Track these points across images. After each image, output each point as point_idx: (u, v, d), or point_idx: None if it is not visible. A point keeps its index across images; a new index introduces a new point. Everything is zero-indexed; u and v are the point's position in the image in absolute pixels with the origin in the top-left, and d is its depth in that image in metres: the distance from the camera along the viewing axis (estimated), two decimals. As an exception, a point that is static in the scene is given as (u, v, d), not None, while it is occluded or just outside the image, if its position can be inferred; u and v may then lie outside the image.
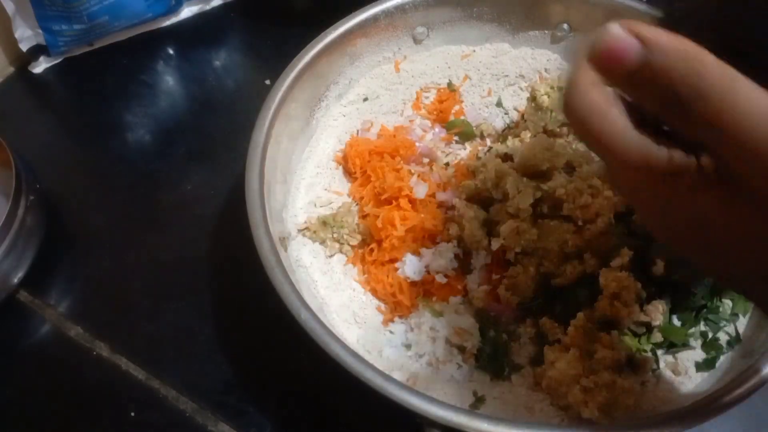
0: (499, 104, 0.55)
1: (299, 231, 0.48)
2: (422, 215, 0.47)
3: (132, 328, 0.48)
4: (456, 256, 0.47)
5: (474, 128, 0.54)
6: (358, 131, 0.54)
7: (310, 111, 0.52)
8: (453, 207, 0.48)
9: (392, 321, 0.45)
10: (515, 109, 0.55)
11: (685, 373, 0.42)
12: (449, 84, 0.56)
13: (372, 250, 0.47)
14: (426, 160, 0.51)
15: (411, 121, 0.55)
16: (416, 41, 0.56)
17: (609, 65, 0.23)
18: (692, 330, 0.43)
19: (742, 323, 0.44)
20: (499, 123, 0.54)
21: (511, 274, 0.45)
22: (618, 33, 0.22)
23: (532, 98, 0.50)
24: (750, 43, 0.23)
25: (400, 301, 0.45)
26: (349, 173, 0.52)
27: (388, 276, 0.46)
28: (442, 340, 0.43)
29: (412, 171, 0.49)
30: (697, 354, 0.43)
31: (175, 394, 0.45)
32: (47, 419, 0.45)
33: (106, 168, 0.57)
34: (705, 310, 0.44)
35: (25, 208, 0.47)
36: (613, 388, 0.39)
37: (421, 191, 0.48)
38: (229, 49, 0.65)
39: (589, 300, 0.43)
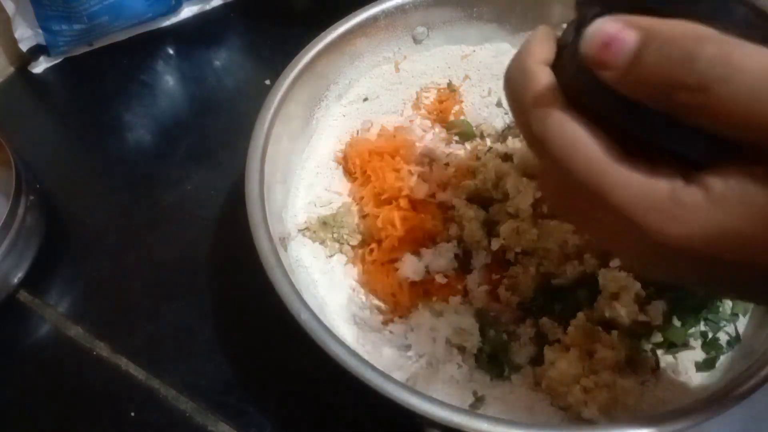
0: (499, 104, 0.55)
1: (299, 231, 0.48)
2: (422, 215, 0.47)
3: (132, 328, 0.48)
4: (456, 256, 0.47)
5: (474, 128, 0.54)
6: (358, 131, 0.54)
7: (310, 111, 0.52)
8: (453, 207, 0.48)
9: (392, 321, 0.45)
10: (515, 109, 0.55)
11: (685, 373, 0.42)
12: (449, 84, 0.56)
13: (372, 250, 0.47)
14: (426, 160, 0.51)
15: (411, 121, 0.55)
16: (416, 41, 0.56)
17: (607, 59, 0.22)
18: (692, 330, 0.43)
19: (742, 323, 0.44)
20: (499, 123, 0.54)
21: (511, 274, 0.45)
22: (613, 24, 0.22)
23: (532, 98, 0.50)
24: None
25: (400, 301, 0.45)
26: (349, 173, 0.52)
27: (388, 276, 0.46)
28: (442, 340, 0.43)
29: (412, 171, 0.49)
30: (697, 354, 0.43)
31: (175, 394, 0.45)
32: (47, 419, 0.45)
33: (106, 168, 0.57)
34: (705, 310, 0.44)
35: (25, 208, 0.47)
36: (613, 388, 0.39)
37: (421, 191, 0.48)
38: (229, 49, 0.65)
39: (589, 300, 0.43)
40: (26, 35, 0.61)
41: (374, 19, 0.52)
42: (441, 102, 0.55)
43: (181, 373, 0.46)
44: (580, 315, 0.42)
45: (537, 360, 0.43)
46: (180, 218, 0.53)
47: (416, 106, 0.55)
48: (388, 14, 0.53)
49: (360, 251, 0.48)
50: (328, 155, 0.53)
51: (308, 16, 0.66)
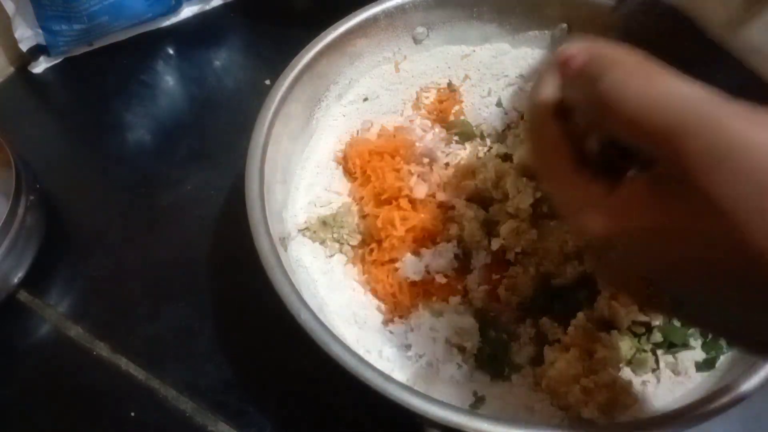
0: (499, 104, 0.55)
1: (299, 231, 0.48)
2: (422, 215, 0.47)
3: (132, 328, 0.48)
4: (456, 256, 0.47)
5: (474, 128, 0.54)
6: (358, 131, 0.54)
7: (310, 111, 0.52)
8: (453, 207, 0.48)
9: (392, 321, 0.45)
10: (515, 109, 0.55)
11: (685, 373, 0.42)
12: (449, 84, 0.56)
13: (372, 250, 0.47)
14: (426, 160, 0.51)
15: (411, 121, 0.55)
16: (416, 41, 0.56)
17: (565, 72, 0.27)
18: (692, 330, 0.43)
19: (742, 323, 0.44)
20: (499, 123, 0.54)
21: (511, 274, 0.45)
22: (577, 45, 0.27)
23: (532, 98, 0.50)
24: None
25: (400, 301, 0.45)
26: (349, 173, 0.52)
27: (388, 276, 0.46)
28: (442, 340, 0.43)
29: (412, 171, 0.49)
30: (697, 354, 0.43)
31: (175, 394, 0.45)
32: (47, 419, 0.45)
33: (106, 168, 0.57)
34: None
35: (25, 208, 0.47)
36: (613, 388, 0.39)
37: (421, 191, 0.48)
38: (229, 49, 0.65)
39: (589, 300, 0.43)
40: (26, 35, 0.61)
41: (374, 19, 0.52)
42: (441, 102, 0.55)
43: (181, 373, 0.46)
44: (580, 315, 0.42)
45: (537, 360, 0.43)
46: (180, 218, 0.53)
47: (416, 106, 0.55)
48: (388, 14, 0.53)
49: (360, 251, 0.48)
50: (328, 155, 0.53)
51: (308, 16, 0.66)
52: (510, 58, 0.56)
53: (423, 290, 0.46)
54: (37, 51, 0.62)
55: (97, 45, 0.64)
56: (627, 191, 0.26)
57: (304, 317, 0.38)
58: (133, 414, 0.45)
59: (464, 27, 0.55)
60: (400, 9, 0.53)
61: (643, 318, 0.42)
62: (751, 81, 0.24)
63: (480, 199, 0.48)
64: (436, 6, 0.54)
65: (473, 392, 0.42)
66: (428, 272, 0.46)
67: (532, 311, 0.45)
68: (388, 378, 0.36)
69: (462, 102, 0.55)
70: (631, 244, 0.26)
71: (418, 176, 0.49)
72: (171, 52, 0.65)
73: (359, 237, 0.48)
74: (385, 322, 0.45)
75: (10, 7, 0.58)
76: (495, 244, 0.45)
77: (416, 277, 0.45)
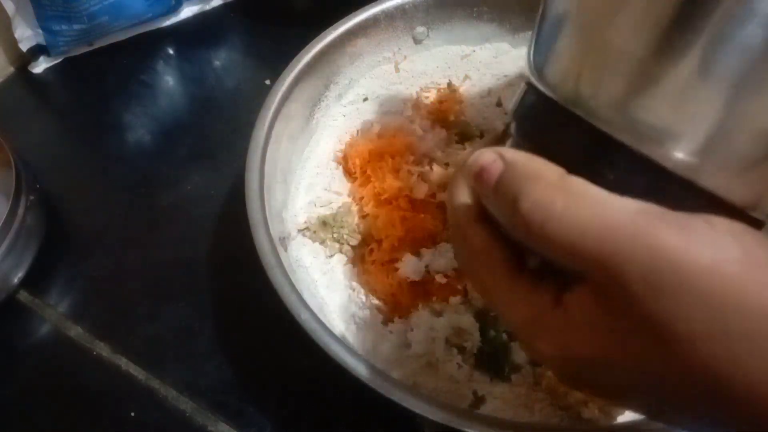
0: (499, 104, 0.55)
1: (299, 231, 0.48)
2: (422, 215, 0.47)
3: (132, 328, 0.48)
4: (456, 256, 0.47)
5: (474, 128, 0.54)
6: (358, 131, 0.54)
7: (310, 111, 0.52)
8: (453, 207, 0.48)
9: (392, 321, 0.45)
10: (515, 109, 0.55)
11: (685, 373, 0.42)
12: (449, 84, 0.56)
13: (372, 250, 0.47)
14: (426, 160, 0.51)
15: (411, 121, 0.55)
16: (416, 41, 0.56)
17: (480, 184, 0.25)
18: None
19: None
20: (499, 123, 0.54)
21: (511, 274, 0.45)
22: (489, 155, 0.25)
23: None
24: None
25: (400, 301, 0.45)
26: (349, 173, 0.52)
27: (388, 276, 0.46)
28: (441, 340, 0.43)
29: (412, 171, 0.49)
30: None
31: (175, 394, 0.45)
32: (47, 419, 0.45)
33: (106, 168, 0.57)
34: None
35: (25, 208, 0.47)
36: (613, 388, 0.39)
37: (421, 191, 0.48)
38: (229, 49, 0.65)
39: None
40: (26, 35, 0.61)
41: (374, 19, 0.52)
42: (441, 102, 0.55)
43: (181, 373, 0.46)
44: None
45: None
46: (180, 218, 0.53)
47: (416, 106, 0.55)
48: (388, 14, 0.53)
49: (360, 251, 0.48)
50: (328, 155, 0.53)
51: (308, 16, 0.66)
52: (510, 58, 0.56)
53: (423, 290, 0.46)
54: (37, 51, 0.62)
55: (97, 45, 0.64)
56: (576, 310, 0.23)
57: (304, 317, 0.38)
58: (133, 414, 0.45)
59: (464, 27, 0.55)
60: (400, 9, 0.53)
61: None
62: (653, 171, 0.23)
63: (480, 199, 0.48)
64: (436, 6, 0.54)
65: (473, 392, 0.42)
66: (428, 272, 0.46)
67: (532, 311, 0.44)
68: (387, 378, 0.36)
69: (462, 102, 0.55)
70: (587, 367, 0.23)
71: (418, 176, 0.49)
72: (171, 52, 0.65)
73: (359, 237, 0.48)
74: (385, 322, 0.45)
75: (10, 7, 0.58)
76: (495, 244, 0.45)
77: (416, 277, 0.45)
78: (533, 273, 0.25)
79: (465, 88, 0.56)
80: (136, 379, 0.46)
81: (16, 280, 0.48)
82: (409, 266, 0.46)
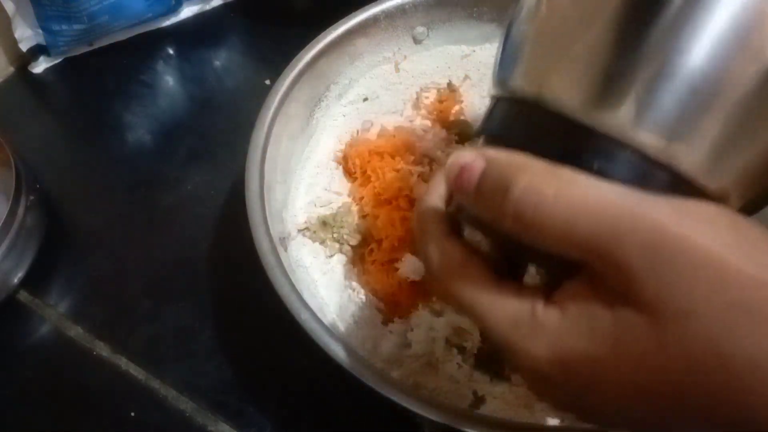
0: (499, 104, 0.55)
1: (299, 231, 0.48)
2: (422, 215, 0.47)
3: (132, 328, 0.48)
4: (456, 256, 0.46)
5: (474, 128, 0.54)
6: (358, 131, 0.54)
7: (310, 111, 0.52)
8: (453, 207, 0.48)
9: (392, 321, 0.45)
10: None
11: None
12: (449, 84, 0.56)
13: (372, 250, 0.47)
14: (426, 160, 0.51)
15: (411, 121, 0.55)
16: (416, 41, 0.56)
17: (461, 185, 0.24)
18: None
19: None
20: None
21: (511, 274, 0.45)
22: (468, 154, 0.24)
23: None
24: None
25: (400, 301, 0.45)
26: (349, 173, 0.52)
27: (388, 276, 0.46)
28: (441, 340, 0.43)
29: (412, 171, 0.49)
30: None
31: (175, 394, 0.45)
32: (47, 419, 0.45)
33: (106, 168, 0.57)
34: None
35: (25, 208, 0.47)
36: (613, 388, 0.39)
37: (421, 191, 0.48)
38: (229, 49, 0.65)
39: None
40: (26, 35, 0.61)
41: (374, 19, 0.52)
42: (441, 102, 0.55)
43: (181, 373, 0.46)
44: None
45: (537, 360, 0.43)
46: (180, 218, 0.53)
47: (416, 106, 0.55)
48: (388, 14, 0.53)
49: (360, 251, 0.48)
50: (328, 155, 0.53)
51: (308, 16, 0.66)
52: (510, 58, 0.56)
53: (423, 290, 0.46)
54: (37, 51, 0.62)
55: (97, 45, 0.64)
56: (570, 303, 0.22)
57: (304, 317, 0.38)
58: (133, 414, 0.45)
59: (464, 27, 0.55)
60: (400, 9, 0.53)
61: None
62: (640, 161, 0.23)
63: (480, 199, 0.48)
64: (436, 6, 0.54)
65: (473, 392, 0.42)
66: (428, 272, 0.46)
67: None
68: (387, 378, 0.36)
69: (462, 102, 0.55)
70: (581, 369, 0.22)
71: (418, 176, 0.49)
72: (171, 52, 0.65)
73: (359, 237, 0.48)
74: (385, 322, 0.45)
75: (10, 7, 0.58)
76: (495, 244, 0.45)
77: (416, 277, 0.45)
78: (510, 280, 0.24)
79: (465, 88, 0.56)
80: (136, 379, 0.46)
81: (16, 280, 0.48)
82: (409, 266, 0.46)
